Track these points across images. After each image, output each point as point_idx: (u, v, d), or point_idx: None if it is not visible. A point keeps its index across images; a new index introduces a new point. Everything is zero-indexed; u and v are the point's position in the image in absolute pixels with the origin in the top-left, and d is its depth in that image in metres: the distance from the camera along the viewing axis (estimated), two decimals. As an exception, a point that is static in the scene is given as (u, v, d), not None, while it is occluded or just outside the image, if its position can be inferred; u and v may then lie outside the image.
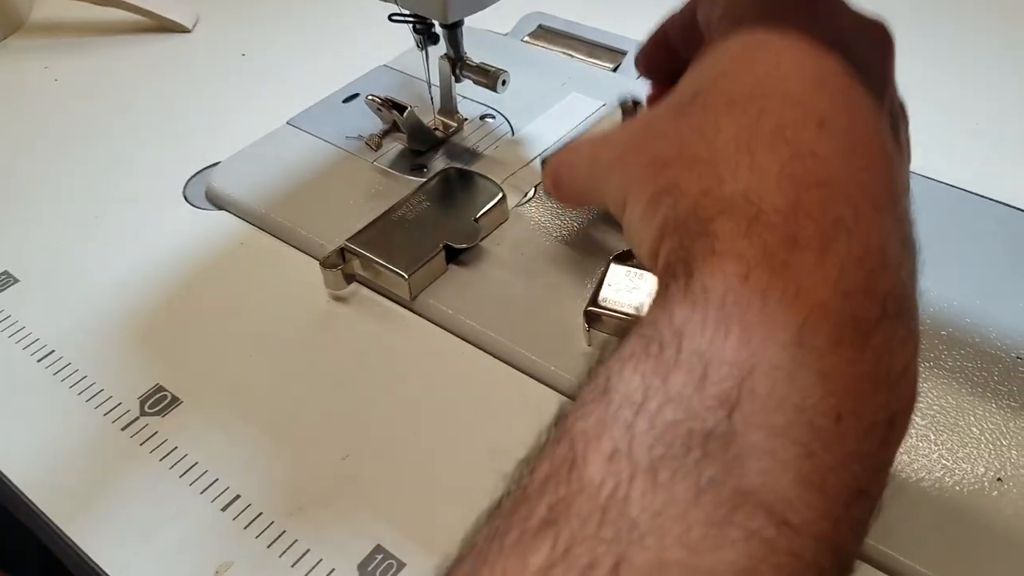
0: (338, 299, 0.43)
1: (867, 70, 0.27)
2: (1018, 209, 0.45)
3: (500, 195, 0.45)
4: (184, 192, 0.51)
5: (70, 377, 0.40)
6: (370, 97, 0.49)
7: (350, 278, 0.43)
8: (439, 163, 0.50)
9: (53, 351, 0.41)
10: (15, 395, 0.39)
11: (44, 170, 0.53)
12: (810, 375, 0.22)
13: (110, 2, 0.66)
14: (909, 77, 0.57)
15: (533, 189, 0.48)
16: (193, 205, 0.50)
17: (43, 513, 0.34)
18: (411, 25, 0.48)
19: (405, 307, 0.43)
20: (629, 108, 0.46)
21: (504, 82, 0.48)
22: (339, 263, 0.42)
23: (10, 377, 0.40)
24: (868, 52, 0.29)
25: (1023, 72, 0.58)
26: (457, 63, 0.49)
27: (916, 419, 0.34)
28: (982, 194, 0.46)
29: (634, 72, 0.59)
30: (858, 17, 0.30)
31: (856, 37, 0.29)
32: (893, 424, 0.23)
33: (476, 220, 0.44)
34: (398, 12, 0.47)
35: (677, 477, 0.20)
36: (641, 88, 0.56)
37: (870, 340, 0.23)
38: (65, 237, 0.48)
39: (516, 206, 0.46)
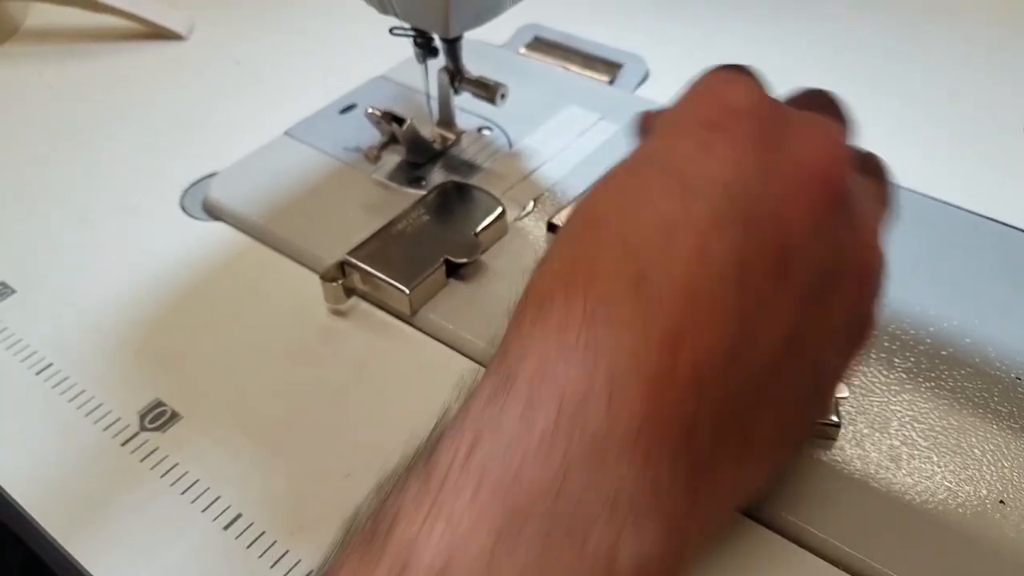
0: (338, 313, 0.43)
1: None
2: (1017, 229, 0.45)
3: (500, 209, 0.45)
4: (181, 202, 0.50)
5: (69, 391, 0.39)
6: (369, 109, 0.49)
7: (350, 292, 0.43)
8: (437, 175, 0.50)
9: (51, 364, 0.41)
10: (13, 408, 0.39)
11: (39, 179, 0.53)
12: (512, 571, 0.21)
13: (105, 9, 0.66)
14: (908, 94, 0.58)
15: (532, 202, 0.48)
16: (190, 216, 0.50)
17: (43, 528, 0.34)
18: (411, 38, 0.48)
19: (405, 321, 0.42)
20: None
21: (503, 96, 0.48)
22: (339, 277, 0.42)
23: (8, 390, 0.40)
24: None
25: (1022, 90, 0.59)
26: (456, 76, 0.49)
27: (919, 441, 0.35)
28: (981, 213, 0.46)
29: (630, 85, 0.59)
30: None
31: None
32: None
33: (476, 234, 0.44)
34: (399, 26, 0.47)
35: None
36: (635, 100, 0.56)
37: (588, 540, 0.21)
38: (61, 247, 0.47)
39: (515, 220, 0.47)
